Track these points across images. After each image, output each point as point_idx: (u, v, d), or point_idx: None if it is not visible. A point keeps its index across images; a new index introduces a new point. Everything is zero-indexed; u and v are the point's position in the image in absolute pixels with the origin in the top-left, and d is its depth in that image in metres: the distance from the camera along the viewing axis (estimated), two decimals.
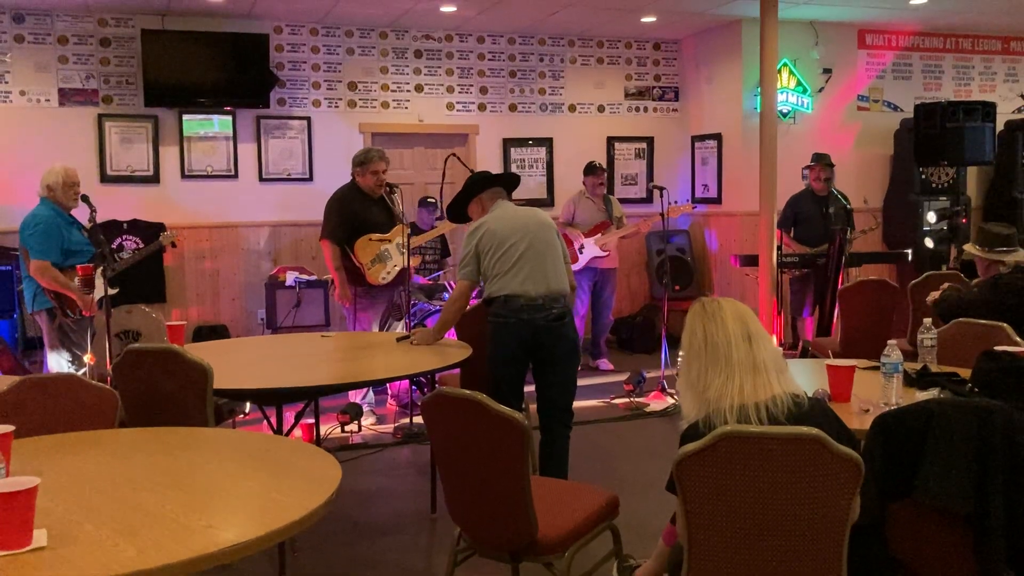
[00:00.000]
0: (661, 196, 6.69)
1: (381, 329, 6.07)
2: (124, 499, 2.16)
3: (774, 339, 2.58)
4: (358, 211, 5.84)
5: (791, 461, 2.13)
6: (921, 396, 3.06)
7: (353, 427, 5.78)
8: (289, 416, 3.89)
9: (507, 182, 4.43)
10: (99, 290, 5.22)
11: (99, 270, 5.18)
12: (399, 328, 6.02)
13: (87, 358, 5.28)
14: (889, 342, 3.08)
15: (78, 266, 5.22)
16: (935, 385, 3.15)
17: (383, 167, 5.88)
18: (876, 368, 3.25)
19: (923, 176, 8.74)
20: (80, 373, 5.36)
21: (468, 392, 2.74)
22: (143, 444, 2.71)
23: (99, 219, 7.47)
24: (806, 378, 3.40)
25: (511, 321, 4.05)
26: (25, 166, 6.83)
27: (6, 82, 7.41)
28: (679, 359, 2.42)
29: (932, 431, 2.43)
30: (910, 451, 2.46)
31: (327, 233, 5.85)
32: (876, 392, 3.08)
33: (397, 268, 5.88)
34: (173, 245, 6.34)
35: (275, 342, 4.96)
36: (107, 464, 2.48)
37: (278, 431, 3.54)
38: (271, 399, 3.54)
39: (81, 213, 5.27)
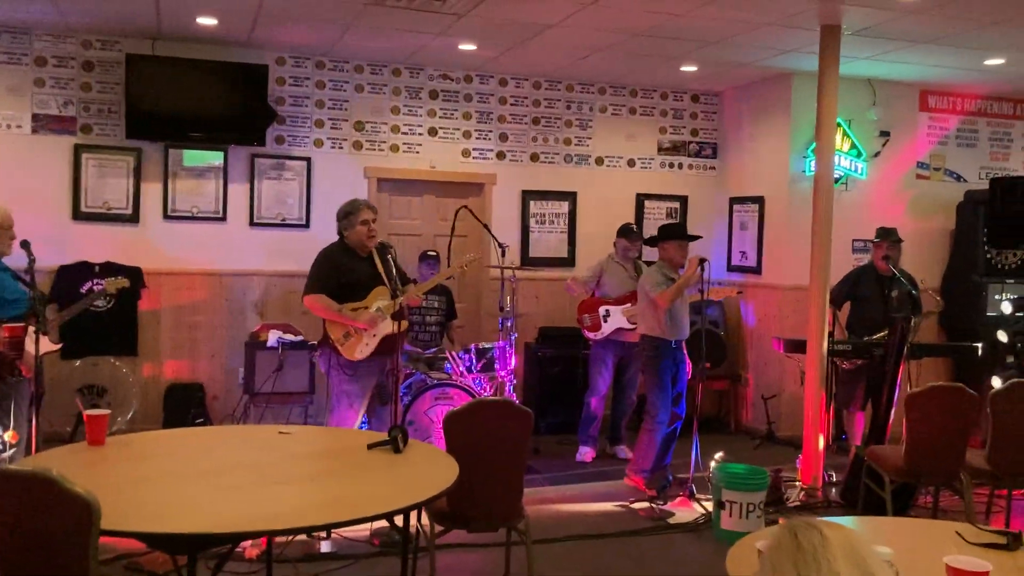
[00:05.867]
0: (701, 269, 5.78)
1: (368, 410, 5.21)
2: None
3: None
4: (341, 265, 5.11)
5: None
6: None
7: (321, 532, 4.87)
8: None
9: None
10: (43, 345, 4.43)
11: (30, 329, 4.40)
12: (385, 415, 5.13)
13: (8, 436, 4.45)
14: None
15: (5, 325, 4.43)
16: None
17: (371, 215, 5.18)
18: (1004, 547, 2.45)
19: (988, 256, 7.83)
20: (5, 456, 4.55)
21: None
22: None
23: (70, 260, 6.87)
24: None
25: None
26: None
27: None
28: None
29: None
30: None
31: (309, 287, 5.13)
32: None
33: (377, 338, 5.05)
34: (115, 295, 5.59)
35: (216, 438, 4.10)
36: None
37: None
38: (178, 547, 2.66)
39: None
